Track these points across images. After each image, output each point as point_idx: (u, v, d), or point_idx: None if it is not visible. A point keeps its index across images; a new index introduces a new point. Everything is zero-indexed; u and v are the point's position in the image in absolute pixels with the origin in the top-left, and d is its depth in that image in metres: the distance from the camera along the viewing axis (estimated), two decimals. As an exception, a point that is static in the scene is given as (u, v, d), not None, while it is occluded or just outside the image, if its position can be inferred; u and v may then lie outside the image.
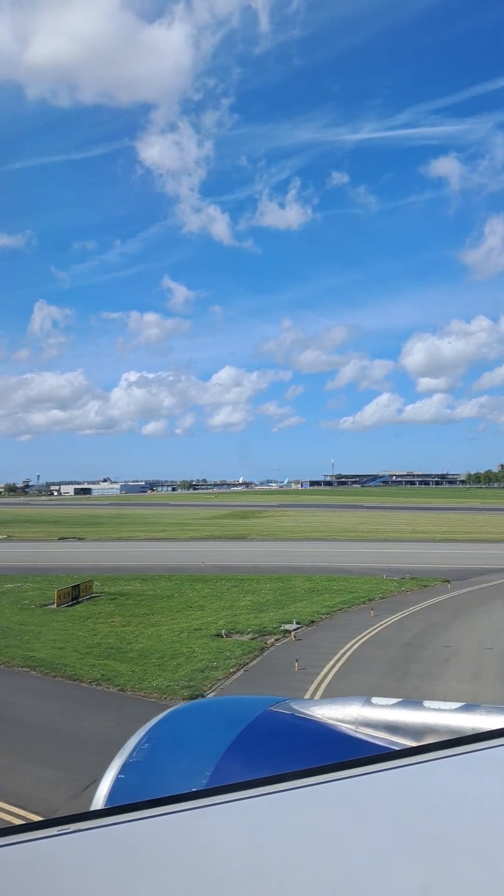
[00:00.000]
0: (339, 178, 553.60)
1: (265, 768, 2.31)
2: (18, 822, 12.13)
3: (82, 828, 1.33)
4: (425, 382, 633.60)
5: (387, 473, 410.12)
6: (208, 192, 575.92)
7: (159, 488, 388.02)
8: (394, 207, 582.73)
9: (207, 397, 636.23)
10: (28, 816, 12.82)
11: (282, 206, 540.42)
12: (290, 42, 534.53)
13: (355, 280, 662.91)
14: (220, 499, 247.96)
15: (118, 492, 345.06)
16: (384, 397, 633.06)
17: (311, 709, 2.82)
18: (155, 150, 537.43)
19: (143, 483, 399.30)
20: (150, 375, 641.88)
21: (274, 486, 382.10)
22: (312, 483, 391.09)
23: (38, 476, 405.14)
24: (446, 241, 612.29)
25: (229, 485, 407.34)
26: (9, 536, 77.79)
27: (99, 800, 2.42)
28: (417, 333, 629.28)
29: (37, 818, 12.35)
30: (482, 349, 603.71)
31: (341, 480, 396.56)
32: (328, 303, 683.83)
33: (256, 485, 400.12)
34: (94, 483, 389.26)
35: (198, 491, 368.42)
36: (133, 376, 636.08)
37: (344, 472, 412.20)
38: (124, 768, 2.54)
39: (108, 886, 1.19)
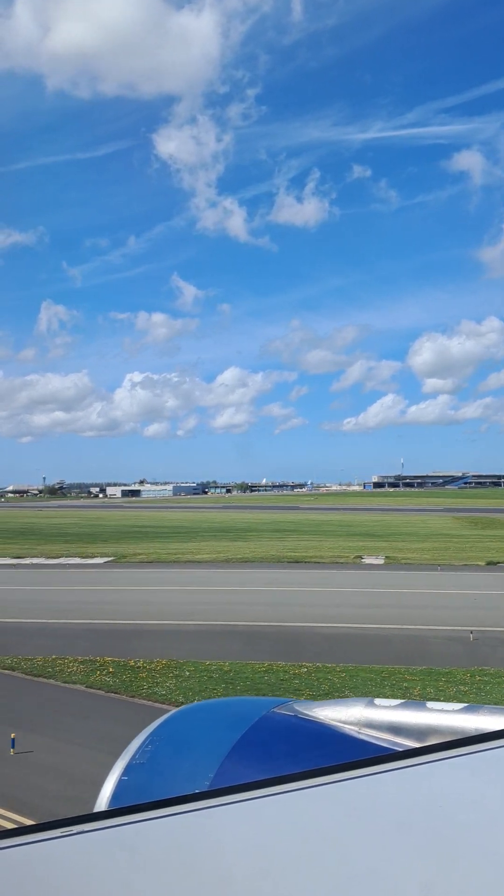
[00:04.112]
0: (351, 176, 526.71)
1: (268, 770, 2.31)
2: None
3: (85, 829, 1.31)
4: (432, 383, 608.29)
5: (462, 474, 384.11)
6: (225, 187, 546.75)
7: (213, 490, 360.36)
8: (406, 206, 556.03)
9: (211, 398, 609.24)
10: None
11: (299, 200, 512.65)
12: (310, 37, 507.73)
13: (367, 279, 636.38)
14: (320, 501, 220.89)
15: (170, 493, 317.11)
16: (389, 398, 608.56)
17: (315, 710, 2.79)
18: (173, 144, 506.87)
19: (194, 485, 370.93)
20: (155, 377, 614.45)
21: (306, 489, 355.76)
22: (376, 485, 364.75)
23: (45, 478, 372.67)
24: (462, 239, 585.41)
25: (292, 486, 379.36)
26: (333, 557, 50.11)
27: (102, 801, 2.44)
28: (427, 333, 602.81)
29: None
30: (490, 349, 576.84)
31: (406, 483, 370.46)
32: (339, 302, 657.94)
33: (327, 486, 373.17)
34: (136, 484, 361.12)
35: (256, 493, 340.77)
36: (138, 377, 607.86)
37: (387, 473, 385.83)
38: (127, 770, 2.56)
39: (112, 888, 1.16)
